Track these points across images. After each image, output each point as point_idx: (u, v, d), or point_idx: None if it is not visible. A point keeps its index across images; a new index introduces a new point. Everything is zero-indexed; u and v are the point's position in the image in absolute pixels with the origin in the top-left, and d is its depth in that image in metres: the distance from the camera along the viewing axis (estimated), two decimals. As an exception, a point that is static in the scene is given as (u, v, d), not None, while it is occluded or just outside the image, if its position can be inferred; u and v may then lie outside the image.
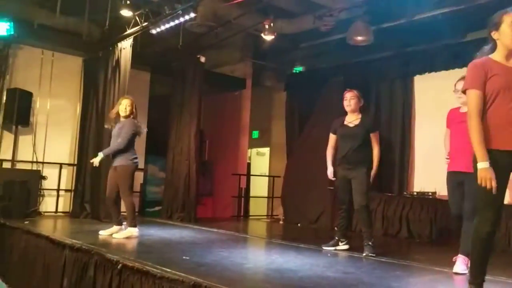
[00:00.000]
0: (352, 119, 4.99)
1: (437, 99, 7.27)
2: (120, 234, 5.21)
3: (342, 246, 5.02)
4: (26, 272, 5.14)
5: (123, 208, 5.43)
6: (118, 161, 5.30)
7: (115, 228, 5.36)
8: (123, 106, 5.36)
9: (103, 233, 5.31)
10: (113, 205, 5.43)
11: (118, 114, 5.43)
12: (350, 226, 5.45)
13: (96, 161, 5.44)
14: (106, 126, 5.73)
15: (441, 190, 6.71)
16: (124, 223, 5.41)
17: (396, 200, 6.88)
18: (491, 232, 2.70)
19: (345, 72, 7.98)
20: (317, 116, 8.33)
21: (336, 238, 5.05)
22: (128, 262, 3.63)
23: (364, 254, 4.66)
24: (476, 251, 2.77)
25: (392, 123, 7.68)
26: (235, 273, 3.62)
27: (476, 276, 2.77)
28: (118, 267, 3.64)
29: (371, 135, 4.95)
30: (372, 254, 4.62)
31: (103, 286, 3.77)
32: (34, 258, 5.05)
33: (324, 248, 5.01)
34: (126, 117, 5.37)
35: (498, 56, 2.87)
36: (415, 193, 6.93)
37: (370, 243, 4.71)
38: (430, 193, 6.73)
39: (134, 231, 5.26)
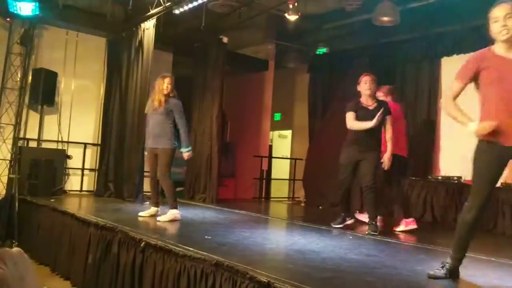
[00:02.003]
0: (370, 103, 5.02)
1: (465, 81, 7.08)
2: (164, 217, 5.06)
3: (349, 221, 5.34)
4: (52, 248, 5.26)
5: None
6: (160, 144, 5.14)
7: (153, 209, 5.31)
8: (165, 85, 5.19)
9: (143, 214, 5.25)
10: (156, 186, 5.32)
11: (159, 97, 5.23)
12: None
13: (188, 156, 5.25)
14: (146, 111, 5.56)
15: (467, 175, 6.58)
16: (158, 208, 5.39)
17: (420, 184, 6.77)
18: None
19: (370, 53, 7.82)
20: (340, 99, 8.18)
21: (343, 215, 5.29)
22: (151, 240, 3.67)
23: (366, 233, 4.84)
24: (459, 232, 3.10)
25: (418, 106, 7.53)
26: (257, 253, 3.63)
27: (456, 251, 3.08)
28: (142, 245, 3.69)
29: (387, 117, 5.00)
30: (374, 233, 4.79)
31: (127, 263, 3.83)
32: (60, 235, 5.17)
33: (333, 225, 5.24)
34: (168, 95, 5.22)
35: (497, 47, 2.97)
36: (440, 178, 6.81)
37: (373, 222, 4.89)
38: (455, 178, 6.60)
39: (176, 212, 5.10)
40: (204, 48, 8.04)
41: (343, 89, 8.25)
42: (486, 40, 6.93)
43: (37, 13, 6.82)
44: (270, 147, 10.26)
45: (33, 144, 7.29)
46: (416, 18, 6.92)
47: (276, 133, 11.01)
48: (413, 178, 7.01)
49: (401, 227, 5.22)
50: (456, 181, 6.53)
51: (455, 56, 7.15)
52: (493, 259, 3.90)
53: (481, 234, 5.72)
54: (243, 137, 9.77)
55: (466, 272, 3.39)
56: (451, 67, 7.25)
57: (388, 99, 5.56)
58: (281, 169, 10.36)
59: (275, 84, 9.64)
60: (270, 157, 9.99)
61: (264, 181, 9.62)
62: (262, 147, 9.56)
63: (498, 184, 6.02)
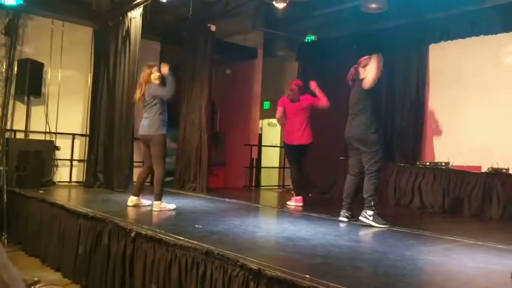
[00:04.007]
0: None
1: (453, 68, 7.13)
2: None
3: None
4: (42, 240, 5.24)
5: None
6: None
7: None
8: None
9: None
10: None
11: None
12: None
13: None
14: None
15: (455, 160, 6.67)
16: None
17: (409, 170, 6.83)
18: None
19: (359, 40, 7.80)
20: (329, 86, 8.20)
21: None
22: (141, 230, 3.67)
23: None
24: None
25: (407, 92, 7.55)
26: (248, 241, 3.65)
27: None
28: (132, 235, 3.69)
29: None
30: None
31: (117, 253, 3.83)
32: (50, 227, 5.14)
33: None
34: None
35: None
36: (428, 163, 6.87)
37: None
38: (443, 163, 6.67)
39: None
40: (192, 36, 7.98)
41: (332, 76, 8.26)
42: (476, 26, 6.99)
43: (22, 2, 6.71)
44: (260, 135, 10.27)
45: (20, 136, 7.21)
46: (404, 5, 6.91)
47: (266, 121, 11.00)
48: (402, 164, 7.08)
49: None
50: (444, 167, 6.60)
51: (442, 43, 7.19)
52: (480, 243, 3.97)
53: (468, 219, 5.86)
54: (232, 126, 9.75)
55: (454, 255, 3.45)
56: (439, 54, 7.31)
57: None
58: (271, 157, 10.38)
59: (264, 72, 9.61)
60: (260, 145, 10.00)
61: (254, 169, 9.64)
62: (251, 135, 9.56)
63: (485, 169, 6.17)
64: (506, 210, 5.73)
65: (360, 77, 4.87)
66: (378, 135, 4.74)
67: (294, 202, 6.18)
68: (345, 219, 4.81)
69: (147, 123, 5.23)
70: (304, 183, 6.62)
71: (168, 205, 5.25)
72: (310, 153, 6.42)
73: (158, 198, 5.17)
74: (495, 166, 6.09)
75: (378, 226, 4.53)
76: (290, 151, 6.48)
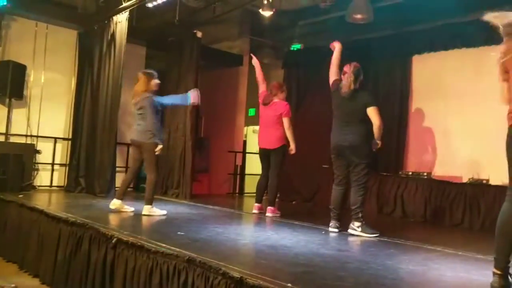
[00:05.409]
0: None
1: (436, 79, 7.24)
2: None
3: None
4: (20, 245, 5.14)
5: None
6: None
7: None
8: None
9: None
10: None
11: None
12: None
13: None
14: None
15: (437, 170, 6.75)
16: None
17: (391, 180, 6.90)
18: None
19: (344, 50, 7.84)
20: (314, 94, 8.27)
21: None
22: (122, 236, 3.63)
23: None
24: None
25: (390, 102, 7.63)
26: (230, 249, 3.63)
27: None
28: (113, 241, 3.65)
29: None
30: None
31: (98, 260, 3.78)
32: (29, 232, 5.05)
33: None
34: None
35: None
36: (410, 173, 6.94)
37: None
38: (425, 173, 6.75)
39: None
40: (178, 42, 7.97)
41: (317, 85, 8.31)
42: (458, 38, 7.09)
43: (5, 3, 6.63)
44: (244, 142, 10.26)
45: (1, 139, 7.08)
46: (388, 16, 7.01)
47: (250, 128, 10.99)
48: (384, 174, 7.14)
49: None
50: (425, 177, 6.68)
51: (426, 54, 7.30)
52: (460, 253, 4.01)
53: (448, 229, 5.93)
54: (217, 132, 9.74)
55: (434, 266, 3.48)
56: (422, 65, 7.42)
57: (282, 96, 6.20)
58: (255, 164, 10.30)
59: (250, 79, 9.61)
60: (244, 152, 9.98)
61: (238, 176, 9.62)
62: (236, 142, 9.55)
63: (465, 180, 6.26)
64: (487, 220, 5.80)
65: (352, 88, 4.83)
66: (371, 148, 4.73)
67: (272, 213, 5.97)
68: (336, 230, 4.76)
69: (141, 129, 5.32)
70: (264, 190, 6.44)
71: (159, 211, 5.28)
72: (285, 158, 6.21)
73: (149, 202, 5.22)
74: (476, 177, 6.19)
75: (368, 236, 4.54)
76: (259, 155, 6.32)
